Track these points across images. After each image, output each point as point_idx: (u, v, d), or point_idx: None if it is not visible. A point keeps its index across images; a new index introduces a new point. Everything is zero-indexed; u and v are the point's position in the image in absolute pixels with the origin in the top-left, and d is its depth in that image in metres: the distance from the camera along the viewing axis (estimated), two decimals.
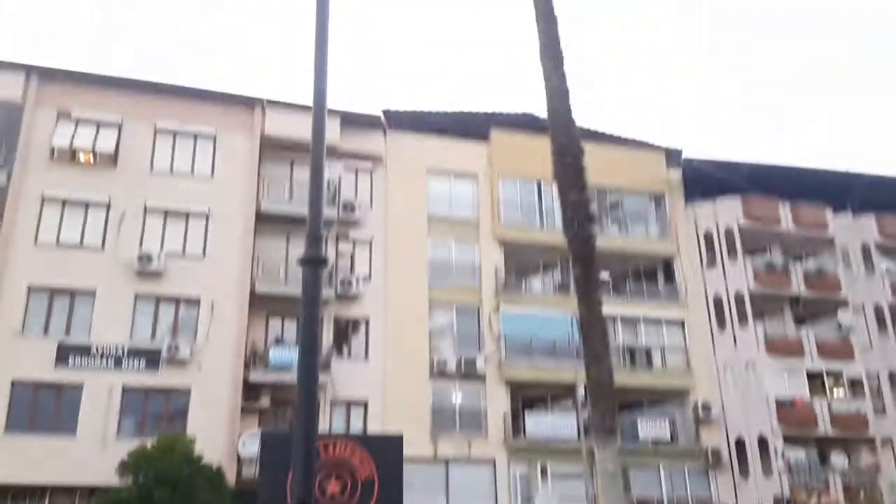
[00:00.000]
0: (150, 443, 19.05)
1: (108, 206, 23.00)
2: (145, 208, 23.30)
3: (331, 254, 24.60)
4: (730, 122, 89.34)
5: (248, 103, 25.54)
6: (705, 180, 29.78)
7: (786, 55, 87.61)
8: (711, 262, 29.36)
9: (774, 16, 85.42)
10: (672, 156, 31.05)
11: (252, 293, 23.30)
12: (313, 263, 5.88)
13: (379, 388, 23.91)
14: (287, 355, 22.09)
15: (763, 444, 26.46)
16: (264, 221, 24.36)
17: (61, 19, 76.23)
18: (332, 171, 24.43)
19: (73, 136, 23.19)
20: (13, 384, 20.54)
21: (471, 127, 28.45)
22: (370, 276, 25.36)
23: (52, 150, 23.05)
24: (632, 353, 27.72)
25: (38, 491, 19.91)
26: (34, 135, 23.06)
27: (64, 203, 22.78)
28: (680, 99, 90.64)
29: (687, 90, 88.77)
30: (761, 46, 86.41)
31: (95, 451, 20.22)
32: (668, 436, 26.56)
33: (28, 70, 23.55)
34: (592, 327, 10.44)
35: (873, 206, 31.55)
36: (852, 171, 31.99)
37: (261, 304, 23.49)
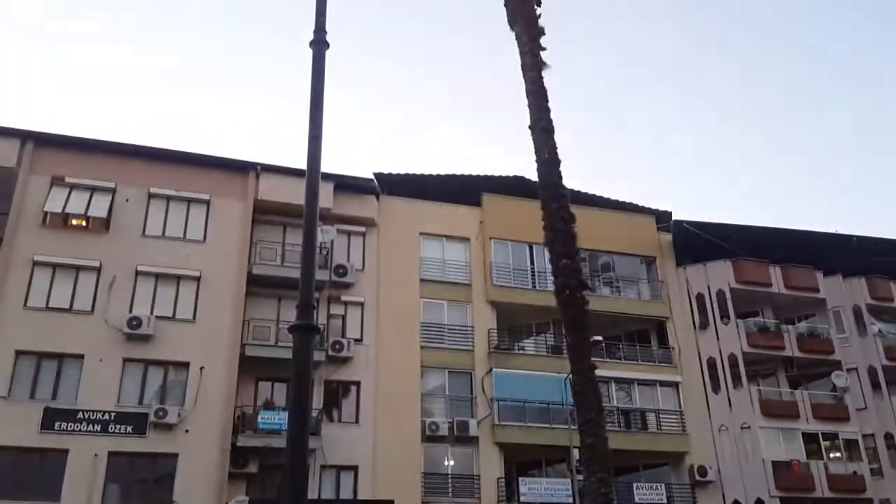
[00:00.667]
0: None
1: (100, 270, 22.97)
2: (136, 272, 23.29)
3: (322, 316, 24.55)
4: (718, 185, 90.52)
5: (242, 168, 25.80)
6: (696, 243, 30.08)
7: (770, 121, 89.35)
8: (704, 324, 29.40)
9: (763, 81, 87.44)
10: (662, 218, 31.41)
11: (242, 356, 23.12)
12: (304, 331, 5.92)
13: (370, 452, 23.54)
14: (276, 419, 21.82)
15: None
16: (256, 285, 24.36)
17: (58, 85, 77.42)
18: (325, 234, 24.53)
19: (66, 202, 23.31)
20: None
21: (463, 190, 28.77)
22: (362, 339, 25.25)
23: (45, 215, 23.16)
24: (626, 415, 27.51)
25: None
26: (27, 200, 23.17)
27: (55, 267, 22.74)
28: (671, 163, 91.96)
29: (678, 155, 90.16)
30: (748, 110, 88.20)
31: None
32: (665, 500, 26.11)
33: (23, 136, 23.79)
34: (586, 393, 10.38)
35: (863, 269, 31.82)
36: (841, 233, 32.39)
37: (250, 367, 23.29)
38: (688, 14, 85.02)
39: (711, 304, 29.60)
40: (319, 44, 8.12)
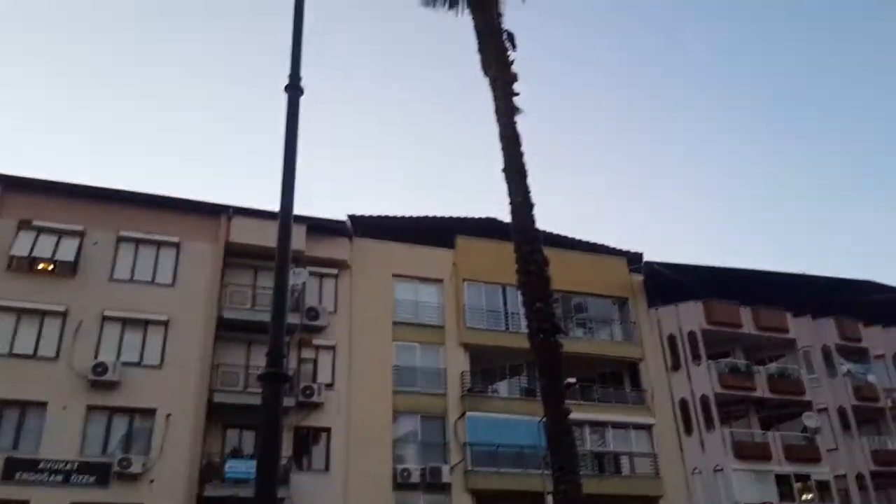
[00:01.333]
0: None
1: (65, 315, 22.51)
2: (103, 317, 22.85)
3: (293, 361, 24.22)
4: (688, 227, 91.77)
5: (214, 211, 25.60)
6: (667, 284, 30.32)
7: (734, 164, 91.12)
8: (676, 365, 29.49)
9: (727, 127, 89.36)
10: (634, 260, 31.67)
11: (210, 403, 22.67)
12: (274, 380, 5.83)
13: (340, 501, 23.05)
14: (244, 468, 21.28)
15: None
16: (225, 329, 24.00)
17: (28, 127, 76.80)
18: (297, 277, 24.30)
19: (33, 246, 22.93)
20: None
21: (436, 232, 28.78)
22: (333, 384, 24.89)
23: (11, 259, 22.74)
24: (600, 459, 27.31)
25: None
26: None
27: (19, 312, 22.25)
28: (642, 205, 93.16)
29: (650, 198, 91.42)
30: (716, 154, 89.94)
31: None
32: None
33: None
34: (560, 439, 10.32)
35: (831, 309, 32.25)
36: (809, 273, 32.85)
37: (218, 414, 22.83)
38: (656, 56, 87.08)
39: (683, 345, 29.73)
40: (294, 89, 8.13)
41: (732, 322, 30.56)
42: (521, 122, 11.98)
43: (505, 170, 11.56)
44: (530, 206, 11.34)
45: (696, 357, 29.34)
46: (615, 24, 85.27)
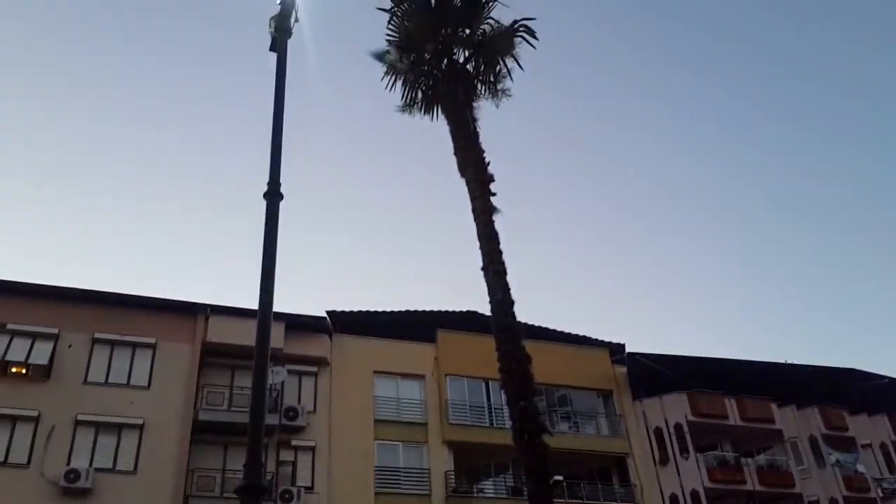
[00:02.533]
0: None
1: (38, 420, 21.85)
2: (76, 421, 22.21)
3: (271, 463, 23.51)
4: (669, 315, 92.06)
5: (191, 310, 25.31)
6: (651, 375, 30.17)
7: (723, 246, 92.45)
8: (664, 459, 28.99)
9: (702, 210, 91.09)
10: (616, 351, 31.56)
11: None
12: (252, 492, 5.71)
13: None
14: None
15: None
16: (201, 430, 23.37)
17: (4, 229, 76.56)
18: (276, 376, 23.86)
19: (6, 349, 22.47)
20: None
21: (416, 326, 28.62)
22: (313, 487, 24.11)
23: None
24: None
25: None
26: None
27: None
28: (621, 294, 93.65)
29: (629, 287, 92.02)
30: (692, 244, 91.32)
31: None
32: None
33: None
34: None
35: (816, 398, 32.14)
36: (791, 363, 32.93)
37: None
38: (635, 146, 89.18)
39: (670, 438, 29.33)
40: (273, 196, 8.20)
41: (718, 413, 30.33)
42: (500, 217, 12.13)
43: (484, 268, 11.62)
44: (510, 303, 11.34)
45: (684, 450, 28.91)
46: (593, 109, 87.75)
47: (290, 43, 9.70)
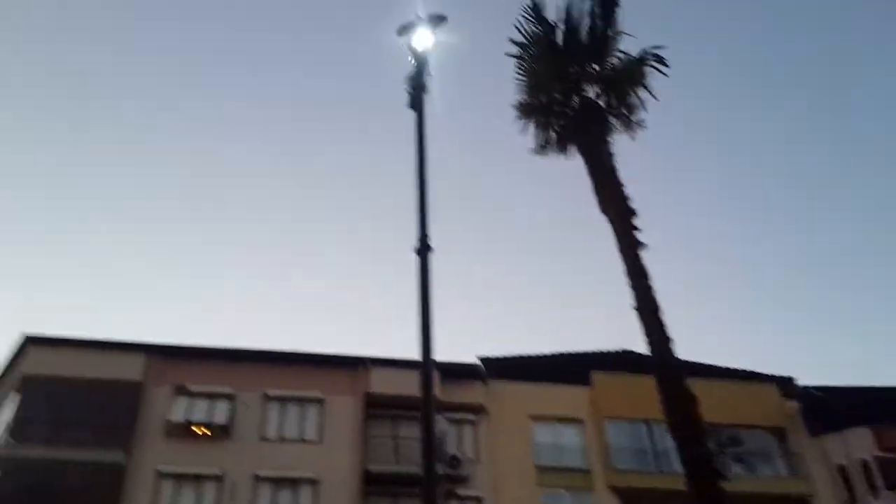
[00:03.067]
0: None
1: (221, 479, 23.28)
2: (256, 478, 23.46)
3: None
4: (839, 342, 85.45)
5: (353, 364, 26.38)
6: (826, 408, 28.09)
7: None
8: (852, 500, 26.76)
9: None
10: (785, 385, 29.67)
11: None
12: None
13: None
14: None
15: None
16: (371, 483, 24.03)
17: (170, 293, 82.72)
18: (437, 426, 24.18)
19: (188, 411, 24.23)
20: None
21: (570, 369, 28.25)
22: None
23: (169, 426, 24.01)
24: None
25: None
26: (151, 411, 24.23)
27: (179, 478, 23.24)
28: (784, 324, 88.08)
29: (791, 316, 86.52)
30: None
31: None
32: None
33: (147, 350, 25.28)
34: None
35: None
36: None
37: None
38: (779, 168, 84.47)
39: (855, 476, 27.07)
40: (424, 250, 8.50)
41: None
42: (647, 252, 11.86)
43: (636, 307, 11.37)
44: (668, 341, 10.99)
45: (873, 489, 26.56)
46: (729, 131, 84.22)
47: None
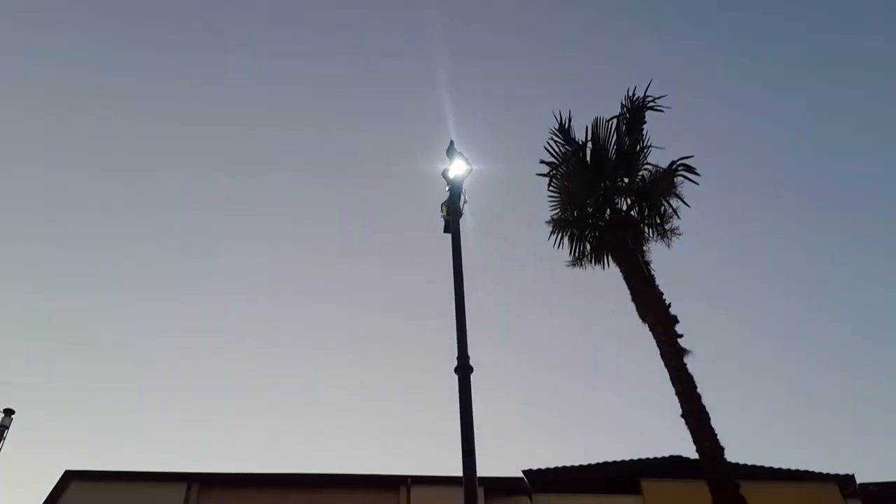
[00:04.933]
0: None
1: None
2: None
3: None
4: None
5: (394, 482, 25.85)
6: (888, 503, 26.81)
7: None
8: None
9: None
10: (846, 484, 28.42)
11: None
12: None
13: None
14: None
15: None
16: None
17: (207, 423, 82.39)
18: None
19: None
20: None
21: (619, 479, 27.42)
22: None
23: None
24: None
25: None
26: None
27: None
28: (840, 420, 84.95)
29: (847, 411, 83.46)
30: None
31: None
32: None
33: (188, 478, 25.08)
34: None
35: None
36: None
37: None
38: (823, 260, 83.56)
39: None
40: (464, 369, 8.58)
41: None
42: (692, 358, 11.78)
43: (684, 415, 11.20)
44: (720, 450, 10.77)
45: None
46: (762, 232, 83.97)
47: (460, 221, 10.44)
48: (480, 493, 24.03)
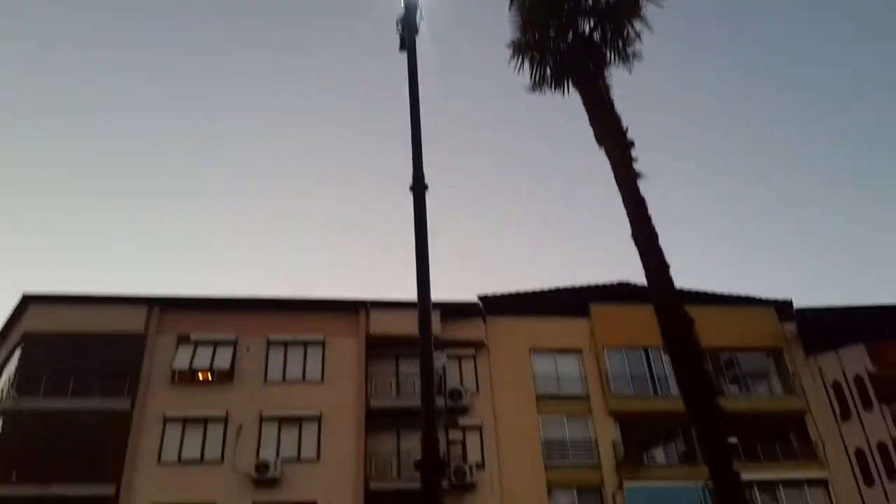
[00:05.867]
0: None
1: (226, 420, 23.81)
2: (261, 417, 23.99)
3: (441, 444, 24.31)
4: (834, 261, 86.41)
5: (353, 307, 26.72)
6: (823, 329, 28.62)
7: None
8: (846, 414, 27.52)
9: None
10: (783, 309, 30.16)
11: (366, 492, 23.20)
12: (431, 468, 6.14)
13: None
14: None
15: None
16: (374, 418, 24.63)
17: (171, 243, 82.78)
18: (437, 361, 24.54)
19: (192, 358, 24.59)
20: None
21: (568, 303, 28.63)
22: (483, 464, 24.80)
23: (173, 373, 24.42)
24: None
25: None
26: (156, 360, 24.62)
27: (185, 421, 23.76)
28: (782, 248, 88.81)
29: (787, 240, 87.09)
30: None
31: None
32: None
33: (150, 302, 25.57)
34: (730, 499, 9.81)
35: None
36: None
37: (375, 502, 23.22)
38: (780, 94, 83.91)
39: (850, 391, 27.79)
40: (418, 188, 8.57)
41: None
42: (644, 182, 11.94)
43: (634, 235, 11.50)
44: (666, 266, 11.16)
45: (867, 403, 27.30)
46: (728, 54, 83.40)
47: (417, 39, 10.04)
48: (437, 316, 24.79)
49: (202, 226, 78.82)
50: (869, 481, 26.20)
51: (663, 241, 11.38)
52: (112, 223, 74.80)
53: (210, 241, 79.99)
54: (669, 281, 11.15)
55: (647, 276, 11.23)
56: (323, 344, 25.86)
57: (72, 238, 77.08)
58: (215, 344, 25.07)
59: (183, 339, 25.09)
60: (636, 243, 11.41)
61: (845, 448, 26.95)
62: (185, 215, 76.29)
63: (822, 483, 26.36)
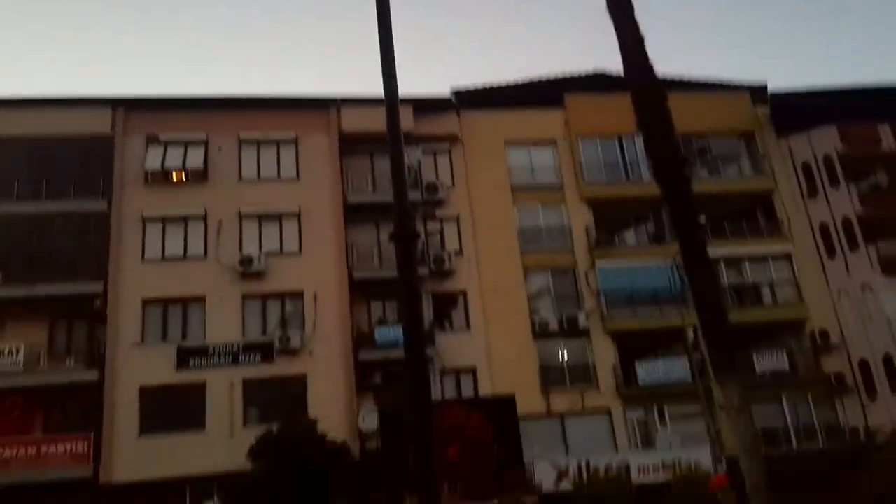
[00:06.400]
0: (275, 428, 20.02)
1: (205, 218, 24.09)
2: (240, 215, 24.29)
3: (420, 233, 24.94)
4: (808, 41, 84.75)
5: (324, 105, 26.27)
6: (796, 112, 28.67)
7: None
8: (812, 192, 28.31)
9: None
10: (757, 92, 29.96)
11: (350, 280, 24.05)
12: (404, 239, 6.27)
13: (484, 354, 24.20)
14: (392, 334, 22.59)
15: (889, 363, 25.58)
16: (353, 213, 25.02)
17: (137, 42, 79.20)
18: (411, 155, 24.64)
19: (163, 158, 24.39)
20: (141, 391, 21.80)
21: (543, 94, 28.23)
22: (461, 251, 25.58)
23: (146, 174, 24.29)
24: (739, 292, 26.96)
25: (178, 483, 20.88)
26: (127, 162, 24.38)
27: (164, 220, 24.00)
28: (756, 31, 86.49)
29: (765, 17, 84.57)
30: None
31: (225, 440, 21.39)
32: (787, 367, 25.90)
33: (114, 103, 24.91)
34: (698, 269, 10.24)
35: None
36: None
37: (360, 290, 24.22)
38: None
39: (819, 170, 28.39)
40: None
41: (870, 141, 28.71)
42: None
43: (608, 6, 11.05)
44: (641, 41, 10.83)
45: (834, 181, 28.02)
46: None
47: None
48: (409, 111, 24.35)
49: (166, 23, 75.14)
50: (831, 253, 27.49)
51: (643, 22, 10.96)
52: (73, 23, 70.93)
53: (175, 38, 76.57)
54: (644, 54, 10.88)
55: (621, 49, 10.91)
56: (296, 141, 25.65)
57: (31, 38, 73.27)
58: (186, 144, 24.75)
59: (152, 140, 24.72)
60: (610, 14, 10.98)
61: (810, 223, 27.98)
62: (147, 13, 72.38)
63: (786, 257, 27.63)
